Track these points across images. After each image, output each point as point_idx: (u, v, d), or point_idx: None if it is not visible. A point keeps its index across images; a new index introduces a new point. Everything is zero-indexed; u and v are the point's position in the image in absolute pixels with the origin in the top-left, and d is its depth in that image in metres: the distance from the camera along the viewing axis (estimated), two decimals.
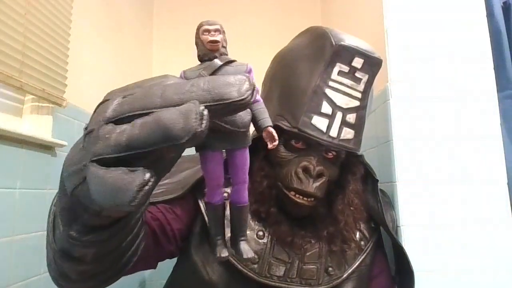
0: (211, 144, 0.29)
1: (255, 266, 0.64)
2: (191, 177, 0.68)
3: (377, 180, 0.78)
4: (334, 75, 0.63)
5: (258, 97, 0.31)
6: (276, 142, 0.32)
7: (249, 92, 0.24)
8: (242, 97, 0.23)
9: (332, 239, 0.68)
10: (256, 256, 0.64)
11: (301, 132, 0.63)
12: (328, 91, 0.63)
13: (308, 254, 0.66)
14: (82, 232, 0.31)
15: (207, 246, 0.66)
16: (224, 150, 0.31)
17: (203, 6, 2.19)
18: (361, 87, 0.64)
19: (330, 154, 0.67)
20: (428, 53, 1.02)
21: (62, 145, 1.07)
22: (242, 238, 0.33)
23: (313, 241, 0.68)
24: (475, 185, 0.95)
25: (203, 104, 0.22)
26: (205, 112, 0.22)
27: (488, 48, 1.02)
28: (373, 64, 0.64)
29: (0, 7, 0.83)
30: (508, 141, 1.08)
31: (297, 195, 0.65)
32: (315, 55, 0.65)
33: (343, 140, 0.63)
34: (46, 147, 1.04)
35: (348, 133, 0.63)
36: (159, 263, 0.69)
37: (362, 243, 0.75)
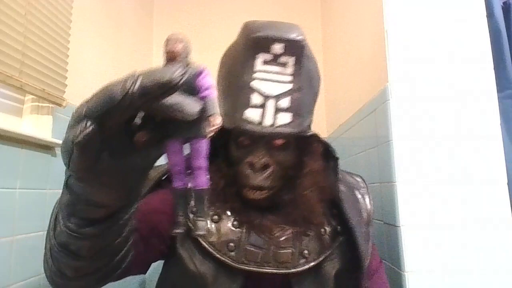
0: (167, 134, 0.34)
1: (233, 253, 0.67)
2: (157, 173, 0.74)
3: (337, 158, 0.77)
4: (259, 66, 0.64)
5: (208, 91, 0.35)
6: (214, 128, 0.36)
7: (179, 75, 0.29)
8: (173, 78, 0.29)
9: (299, 222, 0.70)
10: (232, 244, 0.67)
11: (237, 128, 0.66)
12: (255, 83, 0.64)
13: (282, 239, 0.69)
14: (79, 224, 0.39)
15: (188, 240, 0.68)
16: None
17: (203, 6, 2.19)
18: (289, 70, 0.64)
19: (277, 142, 0.69)
20: (428, 53, 1.02)
21: None
22: (199, 218, 0.40)
23: (285, 227, 0.70)
24: (475, 185, 0.95)
25: (140, 76, 0.29)
26: (140, 78, 0.28)
27: (488, 48, 1.02)
28: (294, 46, 0.64)
29: (0, 7, 0.84)
30: (508, 141, 1.08)
31: (250, 190, 0.68)
32: (240, 51, 0.67)
33: (280, 126, 0.64)
34: (46, 147, 1.04)
35: (285, 118, 0.64)
36: (158, 263, 0.72)
37: (339, 227, 0.74)
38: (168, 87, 0.29)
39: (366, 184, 0.84)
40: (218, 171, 0.71)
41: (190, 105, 0.33)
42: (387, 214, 1.02)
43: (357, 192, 0.80)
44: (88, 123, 0.30)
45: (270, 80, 0.64)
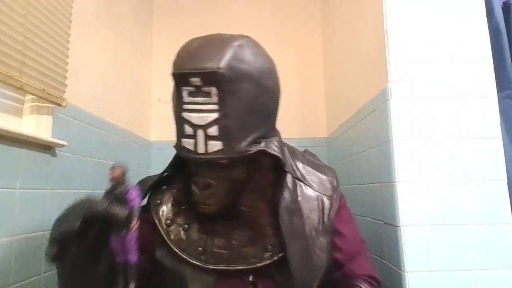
0: (109, 233, 0.62)
1: (203, 256, 0.76)
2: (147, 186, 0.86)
3: (286, 172, 0.80)
4: (186, 97, 0.68)
5: (133, 203, 0.63)
6: (135, 227, 0.63)
7: (105, 209, 0.59)
8: (100, 212, 0.58)
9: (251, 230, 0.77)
10: (200, 249, 0.76)
11: (179, 154, 0.73)
12: (185, 114, 0.68)
13: (243, 240, 0.76)
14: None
15: (166, 248, 0.79)
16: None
17: (203, 7, 2.19)
18: (214, 98, 0.66)
19: (221, 162, 0.72)
20: (428, 53, 1.02)
21: (62, 145, 1.07)
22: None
23: (243, 230, 0.77)
24: (475, 185, 0.95)
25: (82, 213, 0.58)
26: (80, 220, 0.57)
27: (488, 48, 1.02)
28: (211, 77, 0.66)
29: (0, 7, 0.83)
30: (508, 141, 1.08)
31: (199, 206, 0.76)
32: (173, 83, 0.71)
33: (212, 153, 0.68)
34: (46, 147, 1.04)
35: (215, 146, 0.68)
36: None
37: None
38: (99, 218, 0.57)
39: (335, 184, 0.85)
40: (185, 185, 0.79)
41: (120, 212, 0.59)
42: (387, 214, 1.02)
43: (316, 201, 0.81)
44: (54, 246, 0.58)
45: (197, 111, 0.67)
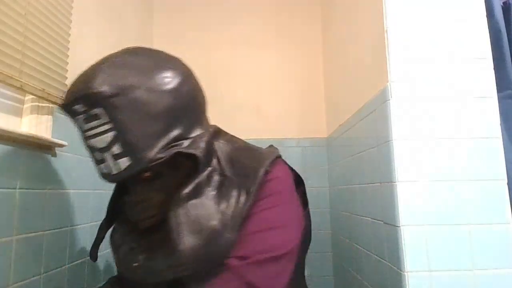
0: None
1: (138, 271, 0.76)
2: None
3: (204, 167, 0.76)
4: (83, 126, 0.69)
5: None
6: None
7: None
8: None
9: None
10: (135, 264, 0.76)
11: (103, 180, 0.73)
12: (89, 142, 0.70)
13: (167, 248, 0.74)
14: None
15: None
16: None
17: (203, 7, 2.19)
18: (105, 118, 0.67)
19: (145, 175, 0.73)
20: (428, 53, 1.02)
21: (62, 145, 1.07)
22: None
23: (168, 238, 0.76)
24: (475, 185, 0.95)
25: None
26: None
27: (488, 48, 1.02)
28: (89, 99, 0.66)
29: (0, 7, 0.83)
30: (508, 141, 1.08)
31: (137, 222, 0.77)
32: None
33: (125, 170, 0.69)
34: (46, 147, 1.04)
35: (124, 163, 0.68)
36: None
37: None
38: None
39: (259, 175, 0.75)
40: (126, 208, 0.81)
41: None
42: (387, 214, 1.02)
43: (235, 196, 0.74)
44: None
45: (95, 135, 0.68)
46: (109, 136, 0.67)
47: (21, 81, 0.89)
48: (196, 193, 0.73)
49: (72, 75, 1.13)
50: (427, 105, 0.99)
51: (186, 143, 0.73)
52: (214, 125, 0.85)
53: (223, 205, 0.73)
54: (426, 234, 0.93)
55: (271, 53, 2.15)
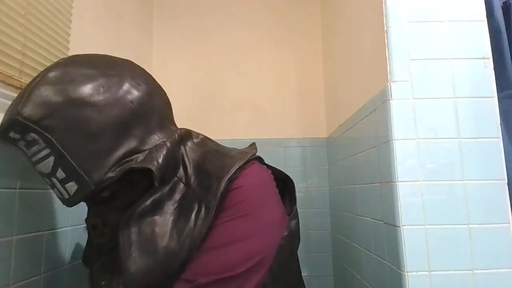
0: None
1: None
2: None
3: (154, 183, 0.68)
4: (26, 151, 0.65)
5: None
6: None
7: None
8: None
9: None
10: (103, 282, 0.72)
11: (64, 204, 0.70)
12: (36, 168, 0.66)
13: (111, 277, 0.72)
14: None
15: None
16: None
17: (203, 6, 2.19)
18: (42, 144, 0.63)
19: (103, 195, 0.69)
20: (428, 53, 1.02)
21: None
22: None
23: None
24: (475, 185, 0.95)
25: None
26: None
27: (488, 48, 1.02)
28: (19, 126, 0.62)
29: (0, 7, 0.83)
30: (508, 141, 1.08)
31: (97, 246, 0.76)
32: None
33: (75, 194, 0.65)
34: None
35: (72, 187, 0.65)
36: None
37: None
38: None
39: (220, 186, 0.67)
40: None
41: None
42: (387, 214, 1.02)
43: (196, 209, 0.67)
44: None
45: (38, 161, 0.64)
46: (50, 161, 0.63)
47: (21, 81, 0.89)
48: (153, 209, 0.67)
49: None
50: (427, 105, 0.99)
51: (141, 156, 0.66)
52: (182, 128, 0.77)
53: (181, 222, 0.66)
54: (426, 234, 0.93)
55: (271, 53, 2.15)
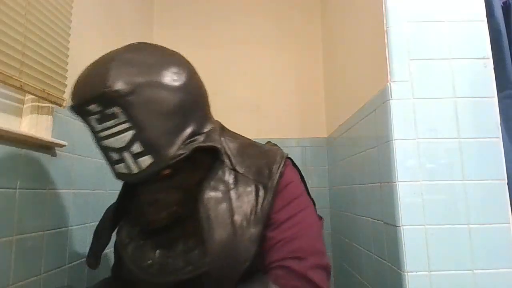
0: None
1: (151, 270, 0.76)
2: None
3: (223, 161, 0.79)
4: (96, 126, 0.67)
5: None
6: None
7: None
8: None
9: (191, 230, 0.75)
10: (150, 261, 0.76)
11: (118, 180, 0.72)
12: (104, 142, 0.67)
13: (188, 244, 0.75)
14: None
15: (126, 266, 0.80)
16: None
17: (203, 6, 2.19)
18: (122, 118, 0.65)
19: (163, 173, 0.71)
20: (428, 53, 1.02)
21: (62, 145, 1.07)
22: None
23: (190, 234, 0.76)
24: (475, 185, 0.95)
25: None
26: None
27: (488, 48, 1.02)
28: (105, 98, 0.63)
29: (0, 7, 0.83)
30: (508, 141, 1.08)
31: (151, 222, 0.75)
32: None
33: (146, 168, 0.67)
34: (46, 147, 1.04)
35: (146, 161, 0.66)
36: None
37: None
38: None
39: (274, 169, 0.78)
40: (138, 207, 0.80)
41: None
42: (387, 214, 1.02)
43: (252, 190, 0.76)
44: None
45: (112, 135, 0.66)
46: (128, 135, 0.65)
47: (21, 81, 0.89)
48: (217, 188, 0.75)
49: (72, 75, 1.13)
50: (427, 105, 0.99)
51: (201, 138, 0.72)
52: (217, 120, 0.85)
53: (242, 201, 0.74)
54: (426, 234, 0.93)
55: (271, 53, 2.15)
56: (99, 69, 0.67)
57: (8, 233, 0.87)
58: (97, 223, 0.93)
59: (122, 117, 0.64)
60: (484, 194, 0.95)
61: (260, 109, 2.10)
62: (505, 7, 1.20)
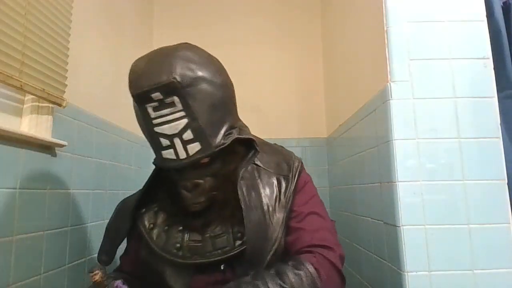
0: None
1: (180, 253, 0.81)
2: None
3: (258, 151, 0.88)
4: (152, 113, 0.72)
5: None
6: None
7: None
8: None
9: (222, 216, 0.83)
10: (178, 245, 0.82)
11: (162, 167, 0.80)
12: (157, 129, 0.73)
13: (214, 229, 0.82)
14: None
15: (149, 250, 0.85)
16: None
17: (203, 6, 2.19)
18: (179, 106, 0.72)
19: (202, 161, 0.78)
20: (428, 53, 1.02)
21: (62, 145, 1.07)
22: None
23: (216, 220, 0.83)
24: (475, 185, 0.95)
25: None
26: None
27: (488, 48, 1.02)
28: (169, 88, 0.70)
29: (0, 7, 0.83)
30: (508, 141, 1.08)
31: (190, 206, 0.81)
32: (134, 102, 0.75)
33: (193, 154, 0.74)
34: (46, 147, 1.04)
35: (194, 147, 0.74)
36: None
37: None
38: None
39: (293, 164, 0.88)
40: (168, 191, 0.87)
41: None
42: (387, 214, 1.02)
43: (276, 178, 0.86)
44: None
45: (167, 122, 0.73)
46: (182, 123, 0.72)
47: (21, 81, 0.89)
48: (248, 178, 0.84)
49: (72, 75, 1.13)
50: (427, 105, 0.99)
51: (235, 131, 0.81)
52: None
53: (267, 191, 0.83)
54: (426, 234, 0.93)
55: (271, 53, 2.15)
56: (163, 62, 0.73)
57: (8, 233, 0.88)
58: (97, 223, 0.93)
59: (179, 106, 0.71)
60: (484, 194, 0.95)
61: (260, 109, 2.10)
62: (505, 7, 1.20)
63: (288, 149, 0.98)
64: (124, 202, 0.96)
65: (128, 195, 0.98)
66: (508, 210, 0.94)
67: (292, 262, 0.75)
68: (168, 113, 0.72)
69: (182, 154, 0.74)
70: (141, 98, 0.72)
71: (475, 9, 1.04)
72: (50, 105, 1.05)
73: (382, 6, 1.05)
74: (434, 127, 0.98)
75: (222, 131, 0.78)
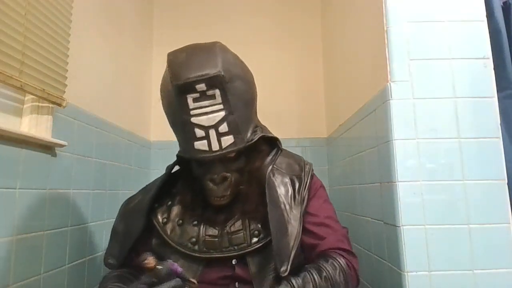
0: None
1: (196, 247, 0.84)
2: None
3: (281, 150, 0.94)
4: (191, 104, 0.75)
5: (178, 272, 0.70)
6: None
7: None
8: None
9: (244, 212, 0.85)
10: (193, 239, 0.84)
11: (192, 158, 0.81)
12: (194, 119, 0.75)
13: (233, 227, 0.84)
14: None
15: (163, 242, 0.87)
16: None
17: (203, 6, 2.19)
18: (218, 99, 0.75)
19: (230, 155, 0.80)
20: (428, 53, 1.02)
21: (62, 145, 1.07)
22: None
23: (235, 217, 0.86)
24: (475, 185, 0.95)
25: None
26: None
27: (488, 48, 1.02)
28: (213, 81, 0.73)
29: (0, 7, 0.83)
30: (508, 141, 1.08)
31: (215, 199, 0.83)
32: (172, 93, 0.77)
33: (226, 147, 0.77)
34: (46, 147, 1.04)
35: (228, 140, 0.76)
36: None
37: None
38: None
39: (303, 165, 0.93)
40: (186, 186, 0.90)
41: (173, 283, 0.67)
42: (387, 214, 1.02)
43: (289, 178, 0.89)
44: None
45: (205, 114, 0.75)
46: (219, 115, 0.75)
47: (21, 81, 0.89)
48: (270, 176, 0.86)
49: (72, 75, 1.13)
50: (427, 105, 0.99)
51: (259, 130, 0.85)
52: None
53: (282, 189, 0.87)
54: (426, 234, 0.93)
55: (271, 53, 2.15)
56: (206, 56, 0.76)
57: (8, 233, 0.88)
58: (97, 223, 0.94)
59: (219, 99, 0.74)
60: (484, 194, 0.95)
61: (260, 109, 2.09)
62: (505, 7, 1.20)
63: (288, 149, 0.99)
64: (129, 201, 0.95)
65: (130, 195, 0.98)
66: (508, 210, 0.94)
67: (322, 259, 0.80)
68: (207, 104, 0.74)
69: (216, 146, 0.76)
70: (184, 88, 0.74)
71: (475, 9, 1.04)
72: (50, 105, 1.05)
73: (382, 6, 1.05)
74: (434, 127, 0.98)
75: (251, 128, 0.82)
